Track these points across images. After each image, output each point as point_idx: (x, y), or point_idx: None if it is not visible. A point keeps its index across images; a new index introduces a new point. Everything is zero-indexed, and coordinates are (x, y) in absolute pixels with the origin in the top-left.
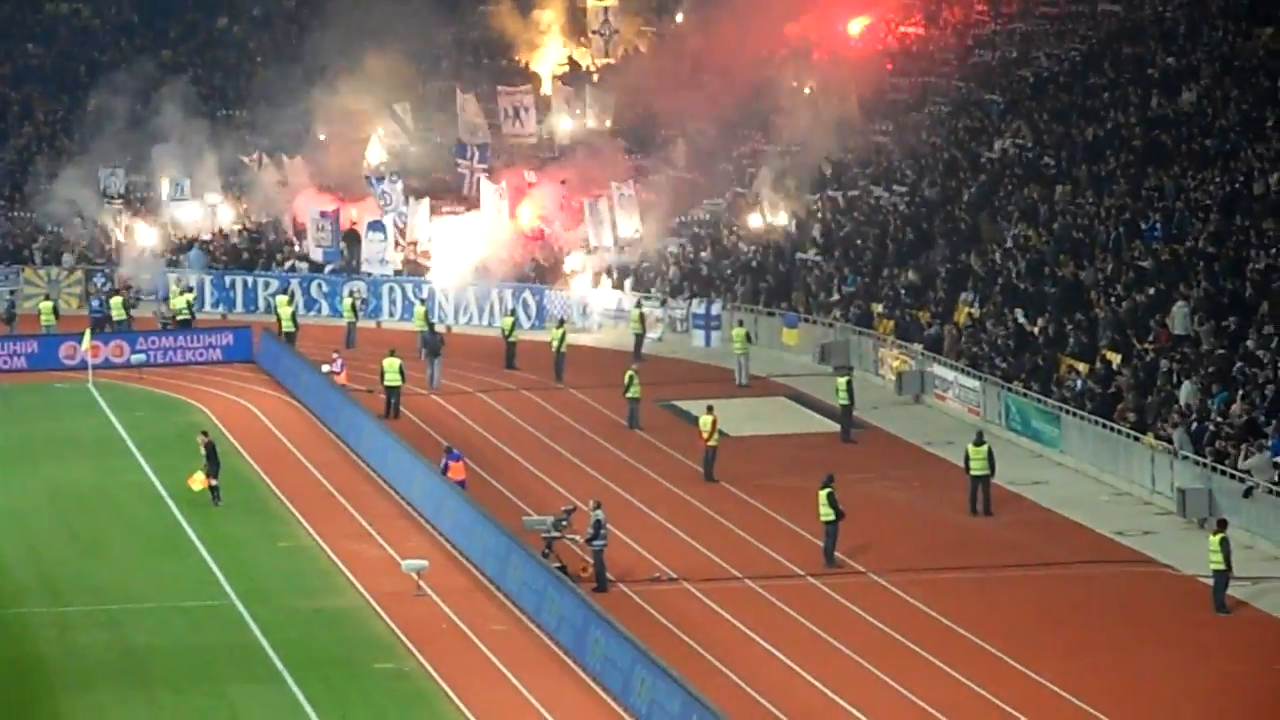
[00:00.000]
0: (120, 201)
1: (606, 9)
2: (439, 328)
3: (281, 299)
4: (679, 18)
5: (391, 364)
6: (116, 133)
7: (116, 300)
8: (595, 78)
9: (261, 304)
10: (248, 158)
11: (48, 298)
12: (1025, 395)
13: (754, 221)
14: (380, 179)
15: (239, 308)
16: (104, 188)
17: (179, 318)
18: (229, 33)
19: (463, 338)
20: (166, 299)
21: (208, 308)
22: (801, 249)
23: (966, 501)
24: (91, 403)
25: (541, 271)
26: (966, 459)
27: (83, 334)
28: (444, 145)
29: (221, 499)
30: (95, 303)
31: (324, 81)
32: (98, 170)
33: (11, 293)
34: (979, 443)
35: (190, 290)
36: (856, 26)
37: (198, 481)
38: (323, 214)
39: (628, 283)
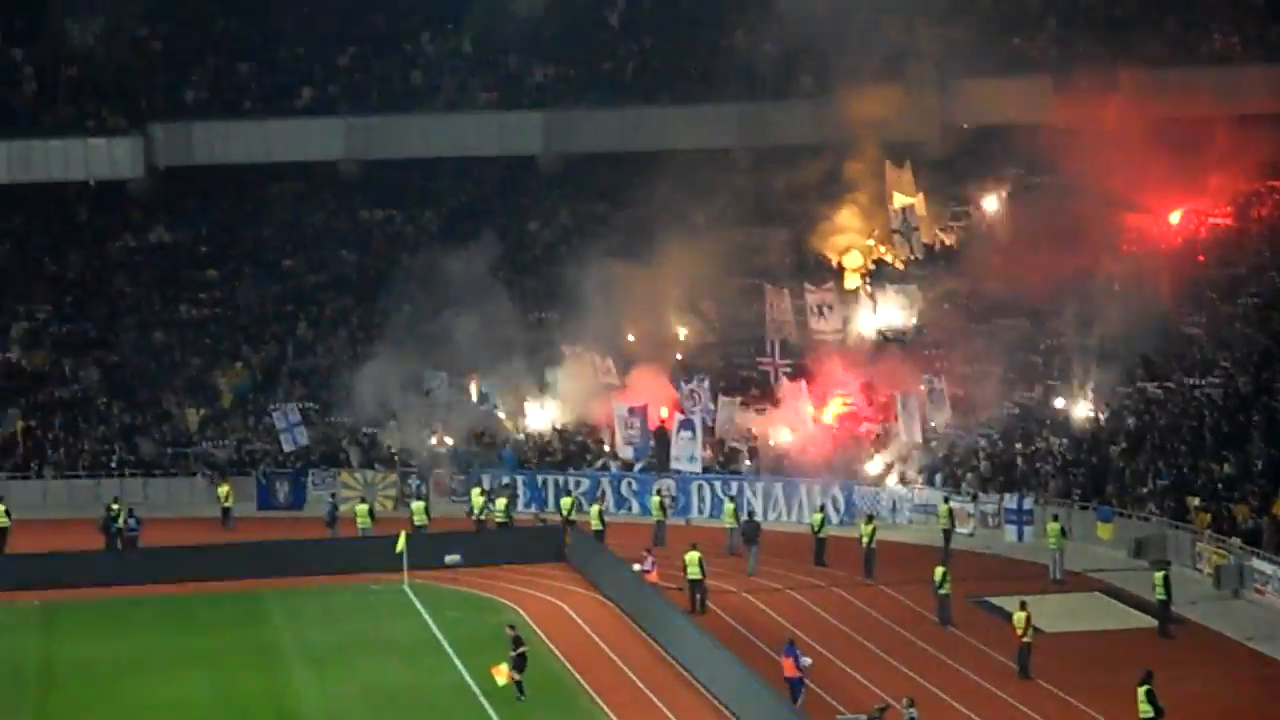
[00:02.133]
0: (441, 404)
1: (905, 209)
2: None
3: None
4: (985, 207)
5: (692, 557)
6: (428, 335)
7: (417, 505)
8: (902, 275)
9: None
10: (568, 351)
11: (363, 500)
12: None
13: (1066, 414)
14: (688, 378)
15: (550, 507)
16: (428, 389)
17: (497, 519)
18: (540, 235)
19: (771, 534)
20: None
21: (520, 507)
22: (1114, 441)
23: None
24: (406, 603)
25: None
26: None
27: (397, 536)
28: (747, 342)
29: (526, 694)
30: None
31: (630, 280)
32: (423, 372)
33: (333, 495)
34: None
35: (506, 488)
36: (1172, 218)
37: (501, 674)
38: (631, 411)
39: (938, 478)
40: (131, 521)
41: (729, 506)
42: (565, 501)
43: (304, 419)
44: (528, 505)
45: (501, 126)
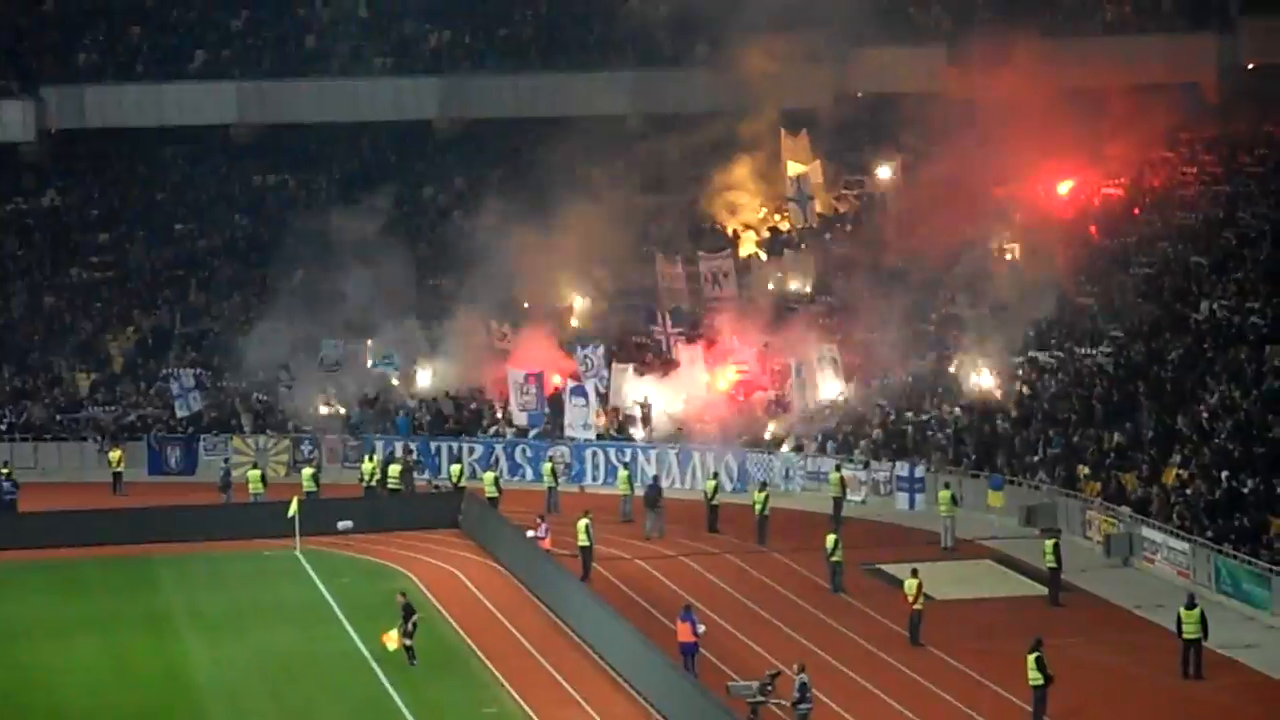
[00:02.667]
0: (335, 370)
1: (799, 177)
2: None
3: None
4: (880, 176)
5: (582, 524)
6: (321, 300)
7: (307, 472)
8: (796, 242)
9: (467, 470)
10: (462, 316)
11: (255, 466)
12: (1235, 557)
13: (958, 383)
14: (584, 344)
15: (444, 474)
16: (322, 356)
17: (389, 486)
18: (435, 200)
19: (666, 501)
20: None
21: (425, 474)
22: (1005, 411)
23: (1178, 665)
24: (299, 569)
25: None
26: (1179, 622)
27: (289, 503)
28: (641, 309)
29: (416, 659)
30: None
31: (524, 246)
32: (319, 339)
33: (226, 461)
34: (1191, 606)
35: (418, 463)
36: (1063, 188)
37: (392, 640)
38: (526, 378)
39: (830, 445)
40: (8, 485)
41: (623, 473)
42: (454, 469)
43: (198, 384)
44: (421, 472)
45: (396, 91)
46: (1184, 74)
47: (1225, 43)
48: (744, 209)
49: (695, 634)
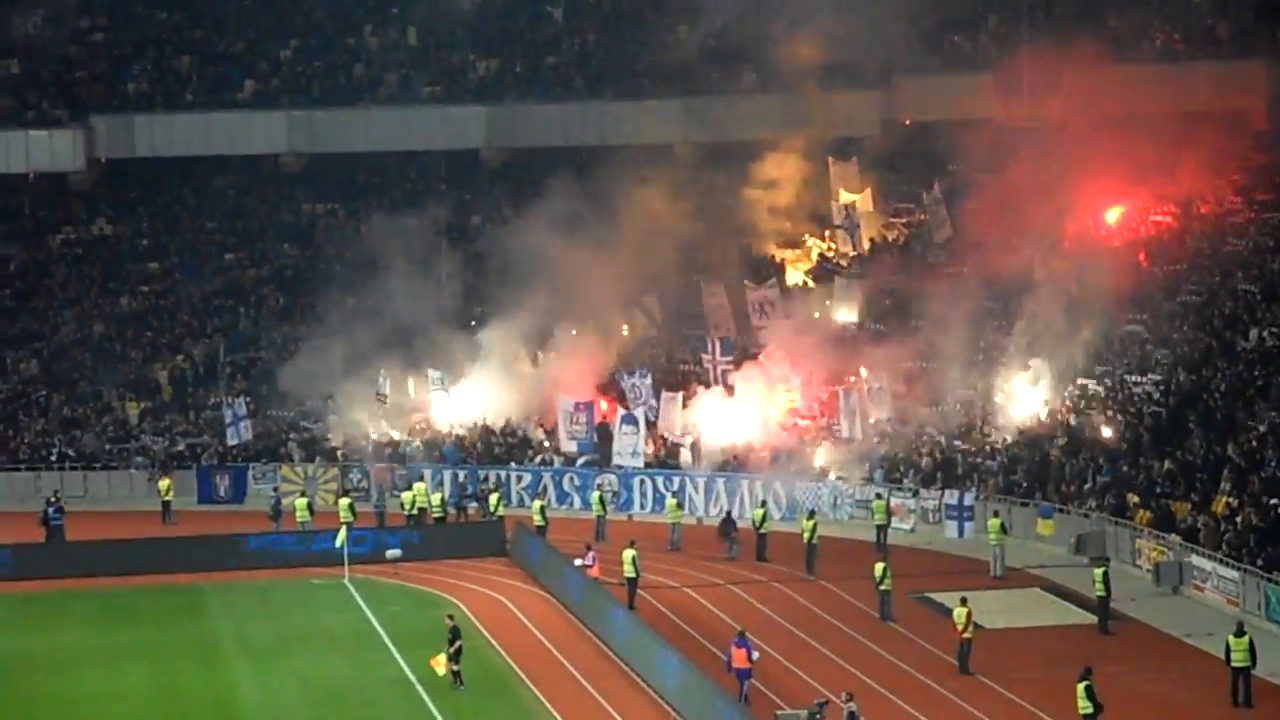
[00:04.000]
0: (385, 402)
1: (848, 205)
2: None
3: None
4: (928, 204)
5: (628, 555)
6: (369, 329)
7: (344, 502)
8: (845, 270)
9: (514, 498)
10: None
11: (303, 494)
12: None
13: (1007, 411)
14: (631, 373)
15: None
16: (379, 391)
17: (434, 515)
18: (483, 229)
19: (712, 529)
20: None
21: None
22: (1056, 439)
23: (1228, 693)
24: (347, 598)
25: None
26: (1228, 650)
27: (337, 531)
28: (690, 338)
29: (464, 683)
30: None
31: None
32: (377, 373)
33: (275, 489)
34: (1240, 634)
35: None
36: (1113, 215)
37: (440, 664)
38: (577, 406)
39: (878, 474)
40: (53, 511)
41: (671, 502)
42: (493, 498)
43: (250, 413)
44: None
45: (444, 120)
46: (1233, 101)
47: (1274, 70)
48: (792, 237)
49: (750, 660)
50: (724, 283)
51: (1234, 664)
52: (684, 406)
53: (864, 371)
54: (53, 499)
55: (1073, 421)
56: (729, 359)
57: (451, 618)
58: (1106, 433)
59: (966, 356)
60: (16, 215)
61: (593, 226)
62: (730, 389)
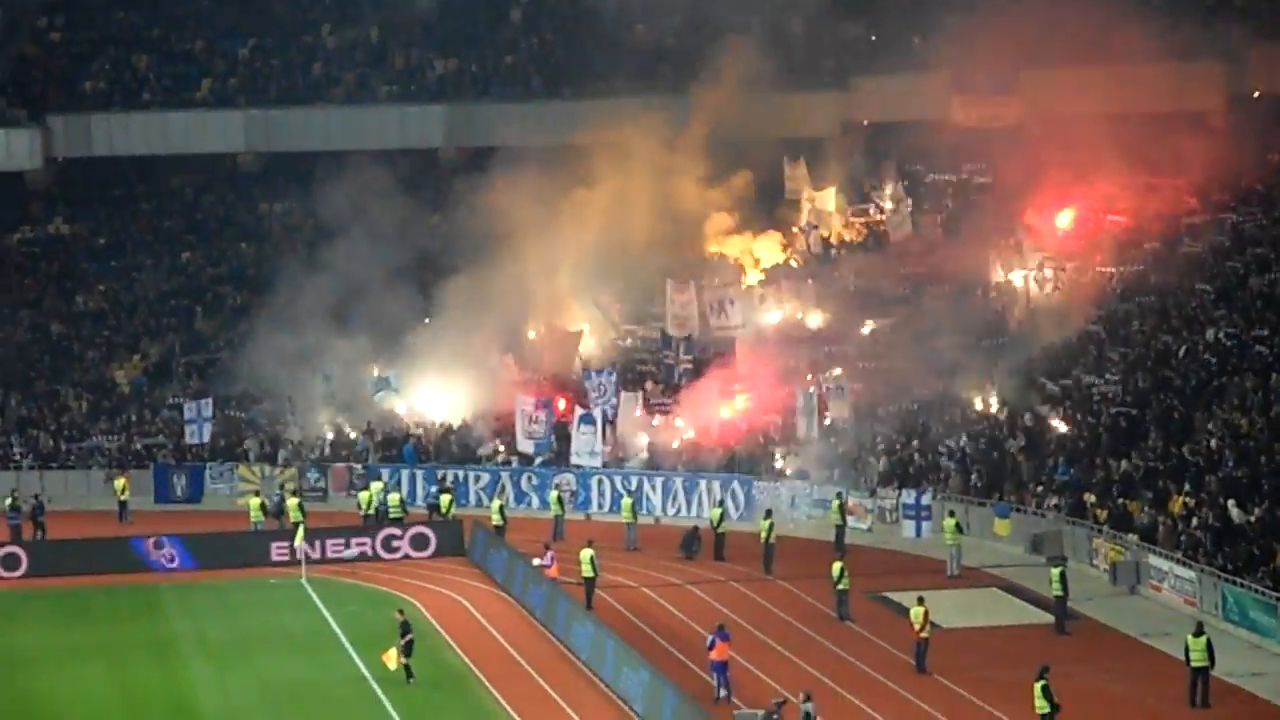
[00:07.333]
0: (333, 402)
1: (806, 205)
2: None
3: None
4: (886, 206)
5: (585, 555)
6: (327, 328)
7: (293, 502)
8: (803, 270)
9: (472, 498)
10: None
11: (257, 494)
12: (1242, 585)
13: (965, 411)
14: (599, 371)
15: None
16: (324, 388)
17: (391, 514)
18: (440, 227)
19: (671, 529)
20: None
21: (418, 501)
22: (1012, 438)
23: (1186, 693)
24: (304, 597)
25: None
26: (1187, 650)
27: (294, 531)
28: (652, 338)
29: (415, 677)
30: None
31: (531, 273)
32: (320, 371)
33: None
34: (1199, 634)
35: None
36: (1065, 218)
37: (391, 659)
38: (535, 405)
39: (835, 473)
40: (11, 512)
41: (627, 502)
42: (444, 499)
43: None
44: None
45: (402, 119)
46: (1190, 103)
47: (1232, 72)
48: (751, 237)
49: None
50: (688, 281)
51: (1193, 664)
52: (643, 406)
53: (822, 371)
54: (33, 499)
55: (1030, 422)
56: (690, 358)
57: (401, 612)
58: (1063, 431)
59: (925, 356)
60: None
61: (551, 226)
62: (689, 388)
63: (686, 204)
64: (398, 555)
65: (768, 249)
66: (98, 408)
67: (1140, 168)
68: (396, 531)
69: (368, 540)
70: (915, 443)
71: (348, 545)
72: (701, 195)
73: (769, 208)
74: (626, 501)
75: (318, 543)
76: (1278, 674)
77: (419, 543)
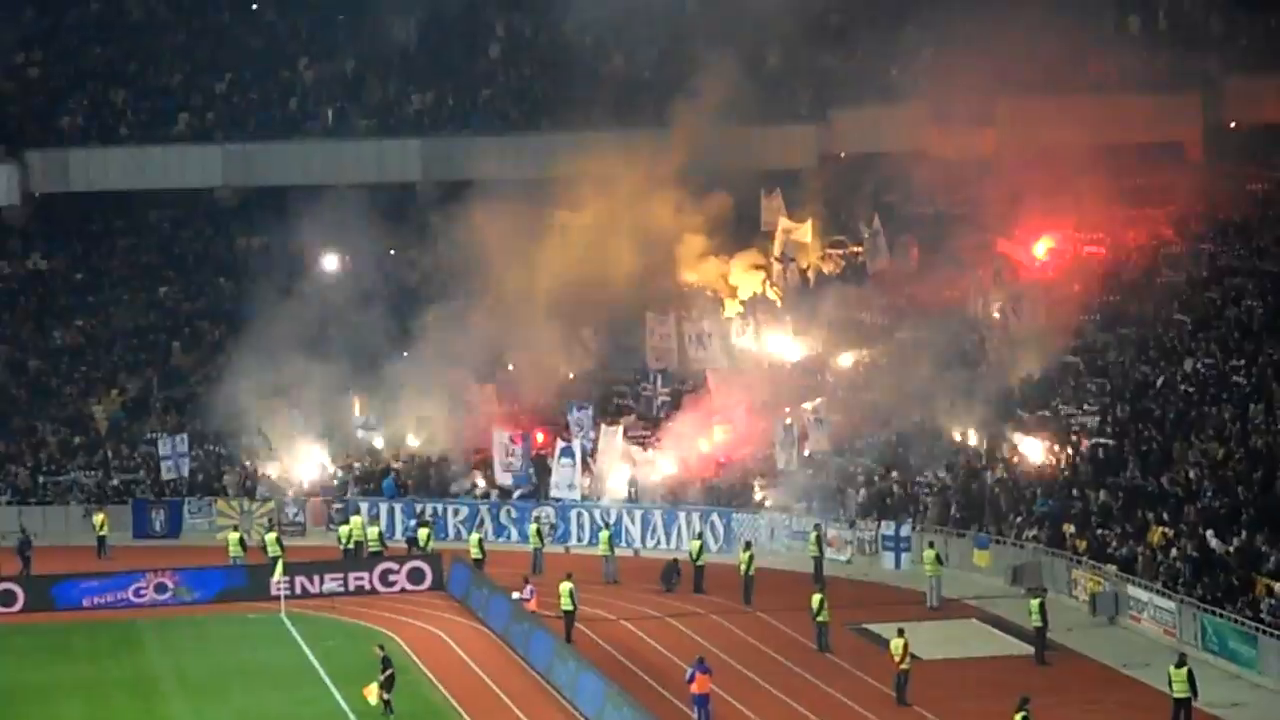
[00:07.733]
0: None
1: (783, 237)
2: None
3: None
4: (865, 236)
5: (565, 588)
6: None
7: (271, 536)
8: (779, 303)
9: (451, 531)
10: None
11: (236, 529)
12: (1222, 615)
13: (944, 442)
14: (582, 405)
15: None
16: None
17: (370, 549)
18: (419, 262)
19: (650, 561)
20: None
21: (398, 535)
22: (991, 470)
23: None
24: (284, 633)
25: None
26: (1169, 681)
27: (274, 566)
28: (631, 370)
29: (393, 711)
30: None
31: (509, 308)
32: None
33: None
34: (1180, 664)
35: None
36: (1042, 248)
37: (371, 693)
38: (512, 438)
39: (815, 504)
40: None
41: (604, 535)
42: (422, 533)
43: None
44: (405, 534)
45: (380, 153)
46: (1168, 133)
47: (1208, 102)
48: (729, 268)
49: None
50: (666, 314)
51: (1175, 695)
52: (622, 439)
53: (802, 404)
54: (19, 533)
55: (1008, 453)
56: (668, 390)
57: (382, 647)
58: (1042, 463)
59: (903, 387)
60: None
61: (529, 258)
62: (668, 421)
63: (664, 235)
64: (395, 589)
65: (745, 279)
66: (74, 443)
67: (1117, 198)
68: (394, 565)
69: (365, 574)
70: (895, 474)
71: (345, 582)
72: (679, 223)
73: (746, 239)
74: (604, 534)
75: (316, 577)
76: (1257, 704)
77: (416, 577)
